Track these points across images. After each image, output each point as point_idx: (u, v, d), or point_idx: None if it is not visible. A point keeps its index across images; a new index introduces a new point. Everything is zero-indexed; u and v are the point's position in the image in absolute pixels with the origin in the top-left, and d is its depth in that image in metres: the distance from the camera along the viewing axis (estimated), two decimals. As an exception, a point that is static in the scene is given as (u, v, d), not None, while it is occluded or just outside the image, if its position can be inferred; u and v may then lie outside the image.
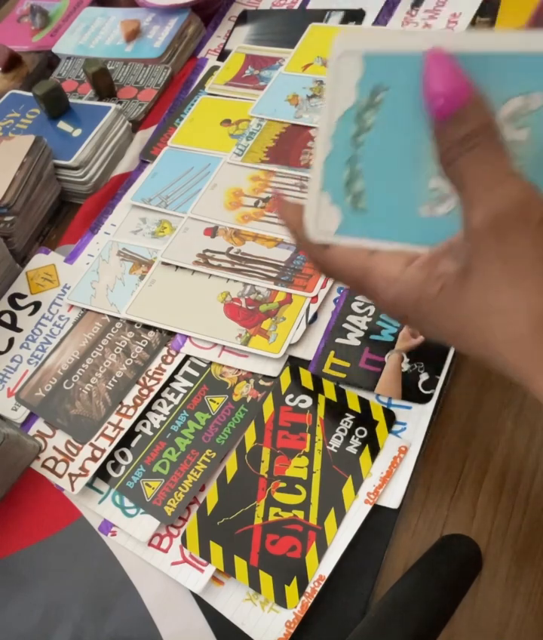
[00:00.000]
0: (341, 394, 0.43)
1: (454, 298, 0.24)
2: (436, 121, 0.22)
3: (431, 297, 0.25)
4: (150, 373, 0.47)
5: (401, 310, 0.27)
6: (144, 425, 0.45)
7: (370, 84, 0.24)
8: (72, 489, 0.43)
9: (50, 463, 0.45)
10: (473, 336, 0.25)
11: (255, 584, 0.38)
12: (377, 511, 0.39)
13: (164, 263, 0.51)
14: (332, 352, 0.45)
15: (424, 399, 0.41)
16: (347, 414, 0.42)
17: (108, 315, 0.50)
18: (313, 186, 0.27)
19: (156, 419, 0.45)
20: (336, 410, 0.42)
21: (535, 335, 0.23)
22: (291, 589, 0.37)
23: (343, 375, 0.44)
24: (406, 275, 0.26)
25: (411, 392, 0.42)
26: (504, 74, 0.22)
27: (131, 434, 0.45)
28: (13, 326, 0.52)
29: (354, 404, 0.42)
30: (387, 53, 0.23)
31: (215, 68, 0.65)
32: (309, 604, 0.37)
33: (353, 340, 0.45)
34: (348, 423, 0.42)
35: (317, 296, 0.47)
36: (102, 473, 0.44)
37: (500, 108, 0.23)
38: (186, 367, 0.47)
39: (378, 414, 0.42)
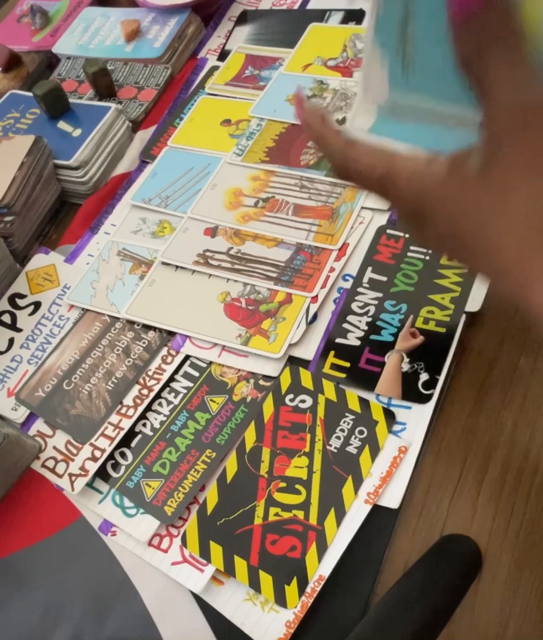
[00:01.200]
0: (341, 394, 0.43)
1: (474, 197, 0.24)
2: (453, 22, 0.22)
3: (452, 194, 0.25)
4: (150, 373, 0.47)
5: (419, 207, 0.26)
6: (144, 425, 0.45)
7: None
8: (72, 489, 0.43)
9: (50, 463, 0.45)
10: (483, 240, 0.24)
11: (255, 584, 0.38)
12: (377, 511, 0.39)
13: (164, 263, 0.51)
14: (332, 352, 0.45)
15: (424, 399, 0.41)
16: (347, 414, 0.42)
17: (108, 315, 0.50)
18: (368, 42, 0.27)
19: (156, 419, 0.45)
20: (336, 410, 0.42)
21: None
22: (291, 589, 0.37)
23: (343, 375, 0.44)
24: (429, 169, 0.25)
25: (411, 392, 0.42)
26: None
27: (131, 434, 0.45)
28: (13, 326, 0.52)
29: (354, 404, 0.42)
30: None
31: (215, 68, 0.65)
32: (309, 604, 0.37)
33: (353, 340, 0.45)
34: (348, 423, 0.42)
35: (317, 296, 0.47)
36: (102, 473, 0.44)
37: None
38: (186, 367, 0.47)
39: (378, 414, 0.42)
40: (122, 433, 0.44)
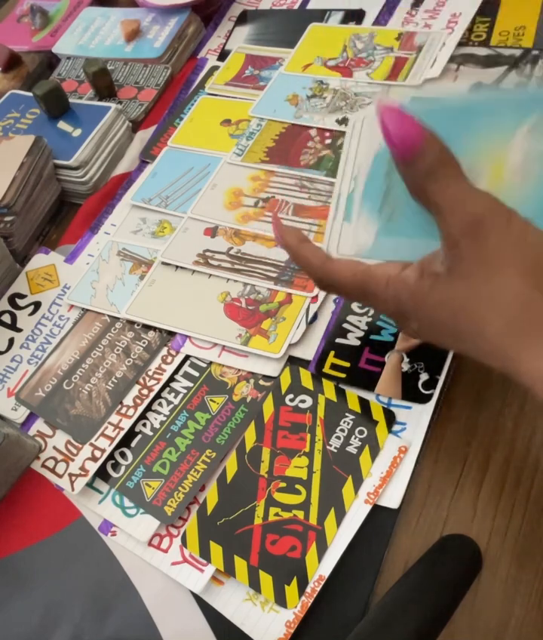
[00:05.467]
0: (341, 394, 0.43)
1: (445, 289, 0.27)
2: (400, 162, 0.25)
3: (426, 291, 0.28)
4: (150, 373, 0.47)
5: (399, 306, 0.30)
6: (144, 425, 0.45)
7: None
8: (72, 489, 0.43)
9: (50, 463, 0.45)
10: (466, 325, 0.27)
11: (255, 584, 0.38)
12: (377, 511, 0.39)
13: (164, 263, 0.51)
14: (332, 352, 0.45)
15: (424, 399, 0.41)
16: (347, 414, 0.42)
17: (108, 315, 0.50)
18: (351, 209, 0.33)
19: (156, 419, 0.45)
20: (336, 410, 0.42)
21: (522, 316, 0.25)
22: (291, 589, 0.37)
23: (343, 375, 0.44)
24: (402, 274, 0.29)
25: (411, 392, 0.42)
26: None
27: (131, 434, 0.45)
28: (13, 326, 0.52)
29: (354, 404, 0.42)
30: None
31: (215, 68, 0.65)
32: (309, 604, 0.37)
33: (353, 340, 0.45)
34: (348, 423, 0.42)
35: (317, 296, 0.47)
36: (102, 473, 0.44)
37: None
38: (186, 367, 0.47)
39: (378, 414, 0.42)
40: (122, 433, 0.44)
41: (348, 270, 0.31)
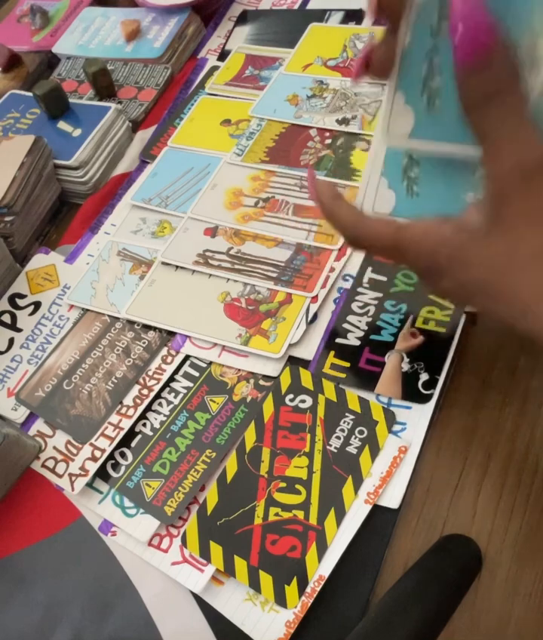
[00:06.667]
0: (341, 394, 0.43)
1: (482, 245, 0.25)
2: (459, 70, 0.22)
3: (463, 246, 0.26)
4: (150, 373, 0.47)
5: (433, 263, 0.28)
6: (144, 425, 0.45)
7: None
8: (72, 489, 0.43)
9: (50, 463, 0.45)
10: (500, 285, 0.25)
11: (255, 584, 0.38)
12: (377, 511, 0.39)
13: (164, 263, 0.51)
14: (332, 352, 0.45)
15: (424, 399, 0.41)
16: (347, 414, 0.42)
17: (108, 315, 0.50)
18: (390, 87, 0.27)
19: (156, 419, 0.45)
20: (336, 410, 0.42)
21: None
22: (291, 589, 0.37)
23: (343, 375, 0.44)
24: (439, 229, 0.27)
25: (411, 392, 0.42)
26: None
27: (131, 434, 0.45)
28: (13, 326, 0.52)
29: (354, 404, 0.42)
30: None
31: (215, 68, 0.65)
32: (309, 604, 0.37)
33: (353, 340, 0.45)
34: (348, 423, 0.42)
35: (317, 296, 0.47)
36: (102, 473, 0.44)
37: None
38: (186, 367, 0.47)
39: (378, 414, 0.42)
40: (122, 433, 0.44)
41: (381, 226, 0.29)
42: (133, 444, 0.44)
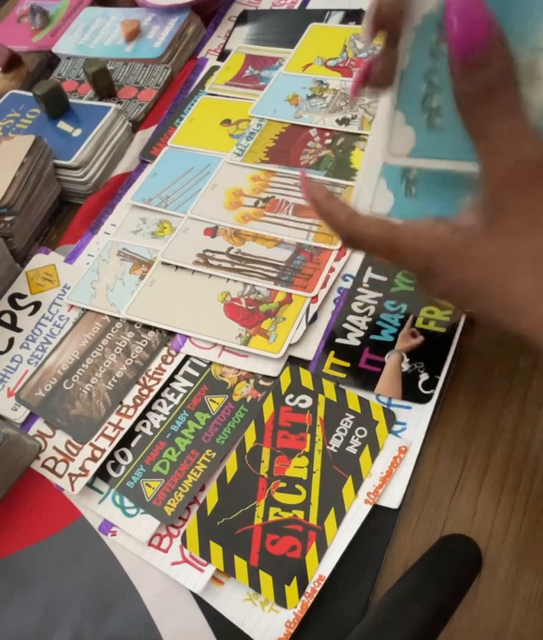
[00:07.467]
0: (341, 394, 0.43)
1: (478, 246, 0.25)
2: (454, 65, 0.21)
3: (458, 246, 0.26)
4: (150, 373, 0.47)
5: (427, 263, 0.28)
6: (144, 425, 0.45)
7: None
8: (72, 489, 0.43)
9: (50, 463, 0.45)
10: (496, 286, 0.25)
11: (255, 584, 0.38)
12: (377, 511, 0.39)
13: (164, 263, 0.51)
14: (332, 352, 0.45)
15: (424, 399, 0.41)
16: (347, 414, 0.42)
17: (108, 315, 0.50)
18: (386, 105, 0.26)
19: (156, 419, 0.45)
20: (336, 410, 0.42)
21: None
22: (291, 589, 0.37)
23: (343, 375, 0.44)
24: (434, 229, 0.27)
25: (411, 392, 0.42)
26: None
27: (131, 434, 0.45)
28: (13, 326, 0.52)
29: (354, 404, 0.42)
30: None
31: (215, 68, 0.65)
32: (309, 604, 0.37)
33: (353, 340, 0.45)
34: (348, 423, 0.42)
35: (317, 296, 0.47)
36: (102, 473, 0.44)
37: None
38: (186, 367, 0.47)
39: (378, 414, 0.42)
40: (122, 433, 0.44)
41: (375, 225, 0.29)
42: (133, 444, 0.44)
